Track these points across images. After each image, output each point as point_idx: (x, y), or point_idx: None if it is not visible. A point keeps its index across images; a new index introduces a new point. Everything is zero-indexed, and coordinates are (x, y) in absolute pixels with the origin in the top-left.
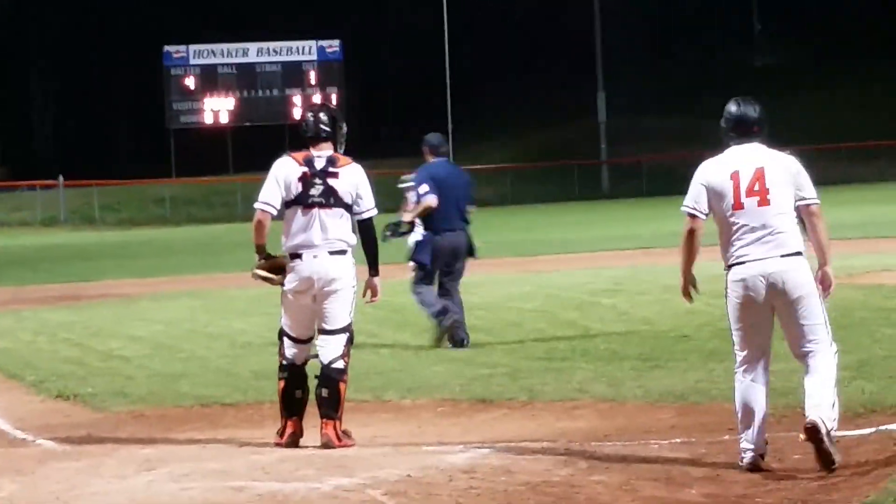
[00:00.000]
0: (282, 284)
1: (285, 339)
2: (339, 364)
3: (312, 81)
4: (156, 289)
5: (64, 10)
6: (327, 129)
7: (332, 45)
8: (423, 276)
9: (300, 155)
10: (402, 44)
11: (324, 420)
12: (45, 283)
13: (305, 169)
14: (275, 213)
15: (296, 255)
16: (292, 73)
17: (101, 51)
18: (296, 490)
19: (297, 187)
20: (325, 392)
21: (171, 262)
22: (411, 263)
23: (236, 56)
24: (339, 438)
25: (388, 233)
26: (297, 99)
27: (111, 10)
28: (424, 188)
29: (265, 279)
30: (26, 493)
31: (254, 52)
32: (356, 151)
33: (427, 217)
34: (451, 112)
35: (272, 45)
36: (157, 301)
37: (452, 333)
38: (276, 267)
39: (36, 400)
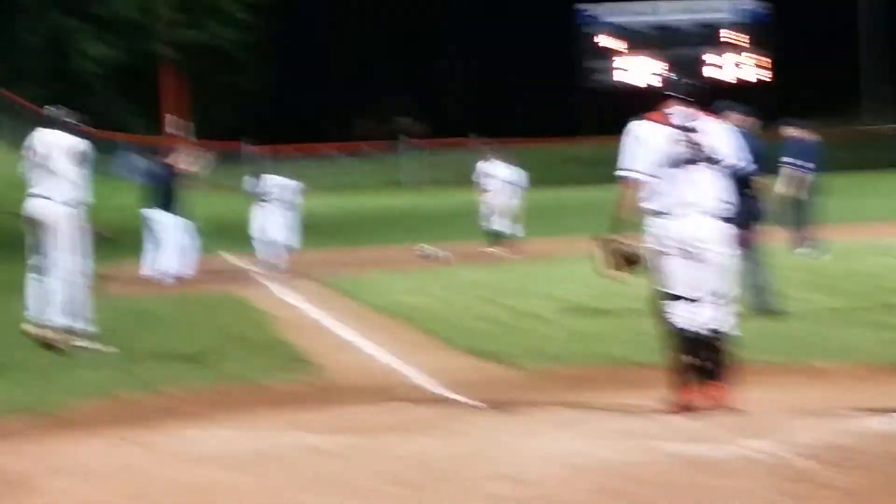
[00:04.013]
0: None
1: (679, 302)
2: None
3: (728, 42)
4: (574, 248)
5: None
6: None
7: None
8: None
9: None
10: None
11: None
12: (468, 239)
13: None
14: None
15: None
16: (707, 34)
17: (510, 10)
18: (709, 451)
19: None
20: (709, 358)
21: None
22: None
23: (649, 14)
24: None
25: None
26: (713, 59)
27: None
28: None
29: None
30: (442, 448)
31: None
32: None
33: None
34: None
35: (685, 3)
36: (576, 262)
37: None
38: None
39: (451, 355)
